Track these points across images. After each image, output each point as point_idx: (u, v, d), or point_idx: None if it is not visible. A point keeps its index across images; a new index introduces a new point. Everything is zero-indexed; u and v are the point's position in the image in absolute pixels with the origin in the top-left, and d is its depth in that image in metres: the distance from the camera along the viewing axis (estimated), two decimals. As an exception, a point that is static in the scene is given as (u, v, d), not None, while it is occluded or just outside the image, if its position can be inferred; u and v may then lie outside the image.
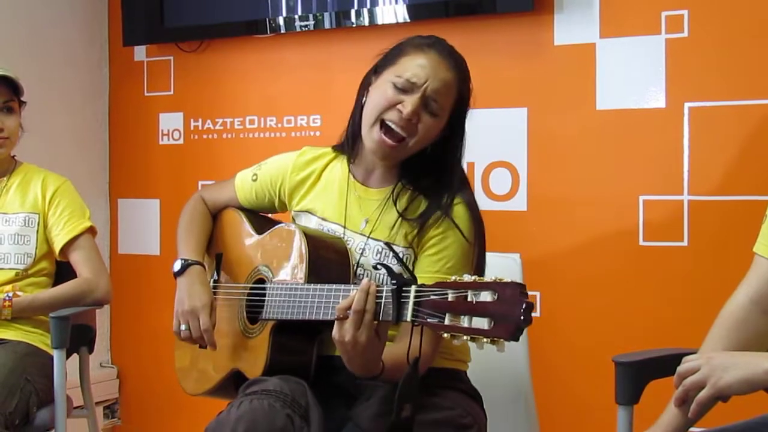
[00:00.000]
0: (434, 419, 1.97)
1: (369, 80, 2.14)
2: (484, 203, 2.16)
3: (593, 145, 3.14)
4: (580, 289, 3.14)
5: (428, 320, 1.66)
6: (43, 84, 3.74)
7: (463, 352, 2.21)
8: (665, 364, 1.87)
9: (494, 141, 3.27)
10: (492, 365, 2.34)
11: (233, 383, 2.13)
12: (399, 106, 2.01)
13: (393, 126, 2.03)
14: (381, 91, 2.06)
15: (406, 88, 2.03)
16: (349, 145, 2.20)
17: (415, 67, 2.04)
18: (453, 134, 2.12)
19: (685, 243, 3.00)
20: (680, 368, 1.73)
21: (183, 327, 2.17)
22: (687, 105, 2.99)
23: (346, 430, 1.94)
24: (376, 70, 2.13)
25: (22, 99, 2.88)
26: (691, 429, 1.80)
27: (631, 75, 3.07)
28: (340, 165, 2.22)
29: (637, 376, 1.97)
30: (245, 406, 1.86)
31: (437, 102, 2.03)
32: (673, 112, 3.01)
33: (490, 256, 2.15)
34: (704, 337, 1.90)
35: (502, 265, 2.40)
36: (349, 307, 1.78)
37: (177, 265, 2.24)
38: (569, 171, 3.18)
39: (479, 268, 2.11)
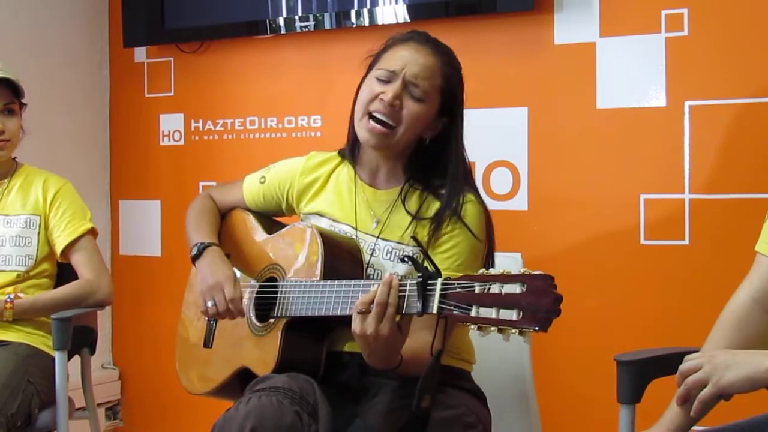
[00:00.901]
0: (440, 417, 1.97)
1: (361, 85, 2.18)
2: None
3: (594, 144, 3.14)
4: (582, 288, 3.14)
5: (454, 312, 1.66)
6: (44, 85, 3.74)
7: (469, 352, 2.22)
8: (667, 363, 1.87)
9: (495, 140, 3.27)
10: (495, 365, 2.34)
11: (239, 382, 2.12)
12: (381, 96, 2.06)
13: (378, 115, 2.06)
14: (366, 87, 2.11)
15: (387, 78, 2.08)
16: (350, 151, 2.23)
17: (395, 58, 2.10)
18: (451, 124, 2.14)
19: (686, 242, 2.99)
20: (682, 367, 1.73)
21: (209, 303, 2.12)
22: (687, 103, 2.99)
23: (354, 427, 1.94)
24: (366, 75, 2.17)
25: (23, 101, 2.88)
26: (694, 428, 1.80)
27: (632, 74, 3.07)
28: (347, 169, 2.24)
29: (638, 375, 1.97)
30: (254, 402, 1.86)
31: (419, 87, 2.06)
32: (673, 111, 3.01)
33: (492, 256, 2.16)
34: (706, 336, 1.90)
35: (503, 265, 2.37)
36: (372, 301, 1.78)
37: (194, 250, 2.24)
38: (570, 170, 3.18)
39: (488, 266, 2.12)
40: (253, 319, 2.14)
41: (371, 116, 2.07)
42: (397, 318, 1.79)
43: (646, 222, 3.05)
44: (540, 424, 2.49)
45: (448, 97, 2.12)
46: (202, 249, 2.22)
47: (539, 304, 1.56)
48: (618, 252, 3.10)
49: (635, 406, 1.97)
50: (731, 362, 1.65)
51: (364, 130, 2.09)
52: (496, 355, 2.33)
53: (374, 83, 2.09)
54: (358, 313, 1.80)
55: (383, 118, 2.06)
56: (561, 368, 3.13)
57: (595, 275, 3.14)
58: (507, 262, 2.46)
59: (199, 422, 2.92)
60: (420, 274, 1.74)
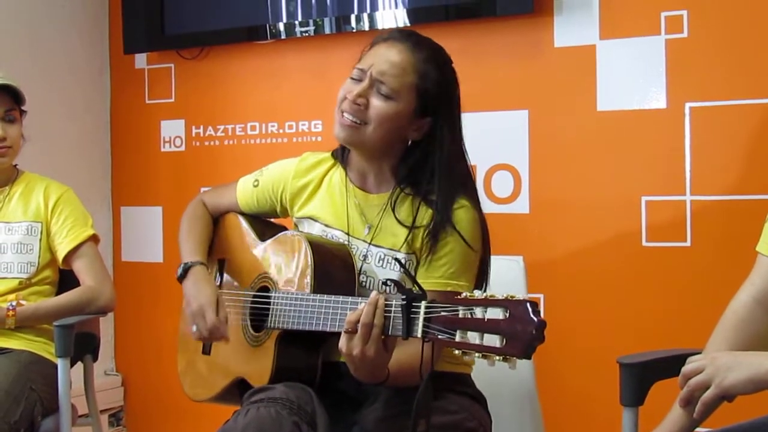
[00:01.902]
0: (440, 423, 1.96)
1: None
2: (486, 206, 2.14)
3: (595, 147, 3.14)
4: (584, 290, 3.14)
5: (439, 336, 1.65)
6: (45, 92, 3.74)
7: (468, 355, 2.20)
8: (670, 365, 1.87)
9: (496, 144, 3.27)
10: (496, 368, 2.32)
11: (238, 390, 2.12)
12: (347, 94, 2.05)
13: (345, 114, 2.05)
14: (343, 87, 2.10)
15: (359, 77, 2.07)
16: (341, 153, 2.22)
17: (369, 56, 2.08)
18: (437, 125, 2.09)
19: (688, 243, 2.99)
20: (685, 369, 1.73)
21: (194, 328, 2.14)
22: (688, 105, 2.99)
23: (353, 434, 1.94)
24: None
25: (23, 108, 2.88)
26: (697, 429, 1.79)
27: (632, 76, 3.07)
28: (339, 172, 2.22)
29: (641, 377, 1.97)
30: (252, 413, 1.85)
31: (385, 84, 2.03)
32: (674, 113, 3.01)
33: (493, 260, 2.14)
34: (708, 338, 1.90)
35: (505, 268, 2.39)
36: (358, 321, 1.77)
37: (180, 270, 2.23)
38: (571, 173, 3.18)
39: (483, 273, 2.11)
40: (249, 328, 2.13)
41: (342, 114, 2.07)
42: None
43: (647, 224, 3.05)
44: (543, 427, 2.48)
45: (426, 95, 2.06)
46: (187, 269, 2.22)
47: (522, 331, 1.54)
48: (620, 254, 3.10)
49: (638, 409, 1.96)
50: (734, 364, 1.65)
51: (336, 124, 2.08)
52: (497, 358, 2.32)
53: (349, 82, 2.08)
54: (345, 332, 1.79)
55: (348, 117, 2.04)
56: (563, 370, 3.12)
57: (596, 277, 3.14)
58: (509, 265, 2.47)
59: (202, 429, 2.92)
60: (404, 296, 1.73)
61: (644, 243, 3.06)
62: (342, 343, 1.80)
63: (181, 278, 2.23)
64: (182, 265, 2.24)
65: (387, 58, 2.05)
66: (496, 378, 2.27)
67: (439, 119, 2.08)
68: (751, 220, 2.65)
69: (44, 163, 3.21)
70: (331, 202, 2.19)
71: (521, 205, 3.25)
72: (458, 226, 2.03)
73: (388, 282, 1.82)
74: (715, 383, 1.65)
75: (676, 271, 3.01)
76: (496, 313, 1.57)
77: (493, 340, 1.56)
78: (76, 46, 4.06)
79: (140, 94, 4.09)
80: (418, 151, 2.09)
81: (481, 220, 2.09)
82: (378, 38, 2.13)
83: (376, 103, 2.03)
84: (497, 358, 1.56)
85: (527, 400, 2.46)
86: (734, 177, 2.93)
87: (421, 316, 1.69)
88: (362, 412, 1.98)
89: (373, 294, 1.79)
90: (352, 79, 2.07)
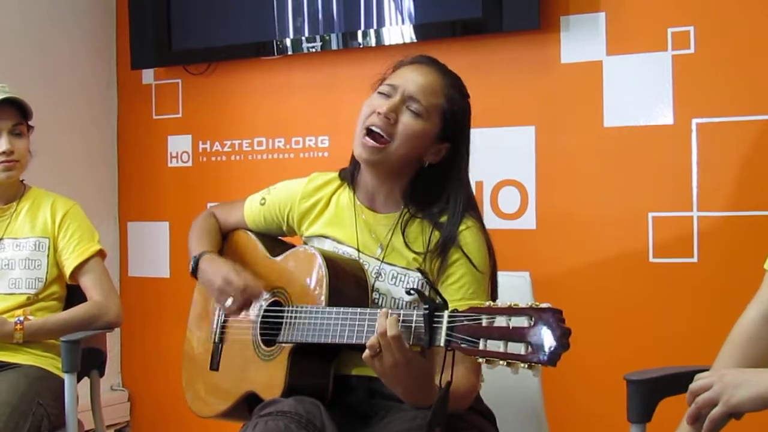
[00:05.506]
0: (448, 439, 1.96)
1: None
2: (492, 222, 2.16)
3: (601, 163, 3.14)
4: (591, 306, 3.13)
5: (462, 345, 1.65)
6: (53, 107, 3.76)
7: (476, 371, 2.20)
8: (677, 382, 1.87)
9: (502, 159, 3.27)
10: (504, 384, 2.33)
11: (246, 405, 2.12)
12: (378, 109, 2.04)
13: (373, 128, 2.04)
14: (367, 102, 2.09)
15: (388, 93, 2.06)
16: (350, 173, 2.21)
17: (399, 76, 2.10)
18: (454, 152, 2.11)
19: (695, 259, 2.99)
20: (692, 385, 1.73)
21: (228, 302, 2.15)
22: (695, 121, 2.99)
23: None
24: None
25: (30, 123, 2.89)
26: (705, 446, 1.79)
27: (639, 92, 3.07)
28: (347, 192, 2.22)
29: (649, 394, 1.96)
30: (260, 427, 1.85)
31: (418, 101, 2.04)
32: (681, 129, 3.01)
33: (499, 276, 2.14)
34: (716, 354, 1.89)
35: (511, 284, 2.39)
36: (378, 343, 1.75)
37: (191, 263, 2.26)
38: (578, 189, 3.18)
39: (493, 290, 2.11)
40: (260, 343, 2.13)
41: (368, 131, 2.05)
42: (415, 348, 1.77)
43: (654, 240, 3.05)
44: (550, 444, 2.48)
45: (450, 120, 2.08)
46: (198, 259, 2.25)
47: (547, 338, 1.55)
48: (626, 270, 3.10)
49: (645, 426, 1.96)
50: (741, 381, 1.65)
51: (359, 145, 2.06)
52: (505, 374, 2.31)
53: (375, 98, 2.08)
54: (371, 355, 1.78)
55: (377, 130, 2.02)
56: (570, 387, 3.11)
57: (603, 293, 3.13)
58: (515, 281, 2.47)
59: (209, 444, 2.92)
60: (426, 306, 1.73)
61: (651, 259, 3.05)
62: (374, 366, 1.78)
63: (194, 270, 2.25)
64: (193, 258, 2.26)
65: (420, 77, 2.07)
66: (504, 395, 2.28)
67: (458, 146, 2.11)
68: (758, 236, 2.65)
69: (51, 178, 3.22)
70: (341, 221, 2.19)
71: (528, 221, 3.25)
72: (466, 249, 2.03)
73: (411, 291, 1.81)
74: (722, 400, 1.65)
75: (683, 287, 3.00)
76: (520, 322, 1.58)
77: (517, 348, 1.57)
78: (84, 61, 4.08)
79: (147, 110, 4.10)
80: (430, 175, 2.10)
81: (486, 238, 2.10)
82: (403, 62, 2.15)
83: (406, 120, 2.04)
84: (522, 365, 1.56)
85: (534, 416, 2.46)
86: (741, 193, 2.93)
87: (444, 326, 1.70)
88: (372, 428, 1.98)
89: (380, 319, 1.78)
90: (380, 94, 2.07)
